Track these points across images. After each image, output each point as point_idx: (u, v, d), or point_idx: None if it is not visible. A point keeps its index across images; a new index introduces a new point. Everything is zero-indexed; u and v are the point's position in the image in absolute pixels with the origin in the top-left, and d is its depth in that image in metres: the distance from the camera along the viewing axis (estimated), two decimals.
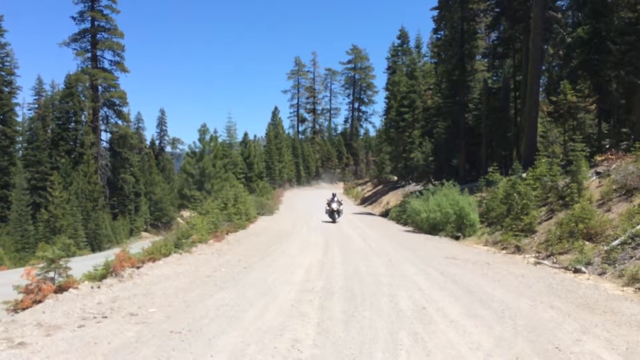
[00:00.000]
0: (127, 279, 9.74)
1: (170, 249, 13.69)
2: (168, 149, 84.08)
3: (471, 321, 6.73)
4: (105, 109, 53.04)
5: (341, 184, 67.00)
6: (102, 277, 9.75)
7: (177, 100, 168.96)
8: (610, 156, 18.99)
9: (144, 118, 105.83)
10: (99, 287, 8.80)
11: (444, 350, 5.50)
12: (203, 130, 34.62)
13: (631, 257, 10.94)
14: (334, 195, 29.58)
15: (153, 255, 12.76)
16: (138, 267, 11.15)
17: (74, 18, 51.08)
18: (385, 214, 32.93)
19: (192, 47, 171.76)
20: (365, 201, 46.03)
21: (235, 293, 8.46)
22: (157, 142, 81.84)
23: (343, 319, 6.78)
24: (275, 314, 7.03)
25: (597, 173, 18.13)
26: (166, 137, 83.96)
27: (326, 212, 28.40)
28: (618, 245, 11.62)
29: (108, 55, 52.46)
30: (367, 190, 52.85)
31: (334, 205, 27.94)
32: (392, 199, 38.77)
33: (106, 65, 52.63)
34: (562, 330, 6.29)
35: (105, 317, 6.79)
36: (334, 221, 27.51)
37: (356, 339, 5.87)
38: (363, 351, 5.44)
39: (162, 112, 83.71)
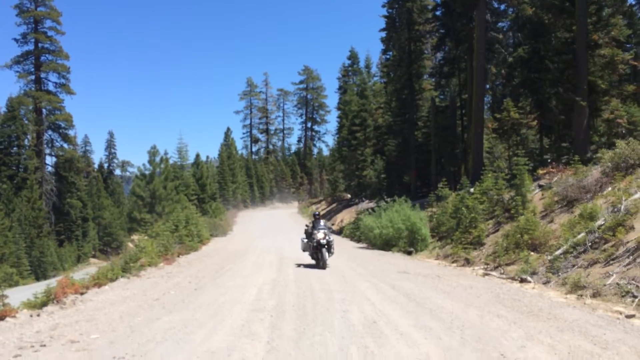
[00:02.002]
0: (70, 306, 9.34)
1: (117, 273, 13.27)
2: (117, 172, 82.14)
3: (421, 333, 6.79)
4: (50, 132, 51.31)
5: (296, 204, 66.88)
6: (43, 304, 9.33)
7: (127, 123, 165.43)
8: (551, 169, 19.80)
9: (92, 141, 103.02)
10: (38, 315, 8.40)
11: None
12: (153, 152, 33.96)
13: (573, 266, 11.35)
14: (316, 216, 16.67)
15: (98, 280, 12.32)
16: (82, 293, 10.74)
17: (16, 40, 49.53)
18: (339, 232, 33.04)
19: (142, 69, 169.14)
20: None
21: (184, 315, 8.24)
22: (105, 165, 79.74)
23: (294, 337, 6.70)
24: (225, 335, 6.88)
25: (540, 186, 18.85)
26: (115, 160, 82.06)
27: (304, 248, 16.30)
28: (561, 254, 12.05)
29: (53, 77, 50.99)
30: (322, 208, 52.98)
31: (320, 235, 15.17)
32: (346, 216, 39.00)
33: (51, 87, 51.11)
34: (508, 338, 6.43)
35: (44, 345, 6.48)
36: (320, 265, 15.05)
37: (306, 356, 5.81)
38: None
39: (111, 134, 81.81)
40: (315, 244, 15.32)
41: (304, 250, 16.40)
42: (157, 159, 34.26)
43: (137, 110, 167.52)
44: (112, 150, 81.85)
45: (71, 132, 53.26)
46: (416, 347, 6.06)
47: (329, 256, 15.33)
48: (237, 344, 6.36)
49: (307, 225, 16.74)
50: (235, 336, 6.79)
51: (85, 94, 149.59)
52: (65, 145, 52.26)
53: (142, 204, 33.56)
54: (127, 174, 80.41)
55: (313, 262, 15.96)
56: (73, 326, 7.62)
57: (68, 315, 8.46)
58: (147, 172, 33.95)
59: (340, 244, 26.48)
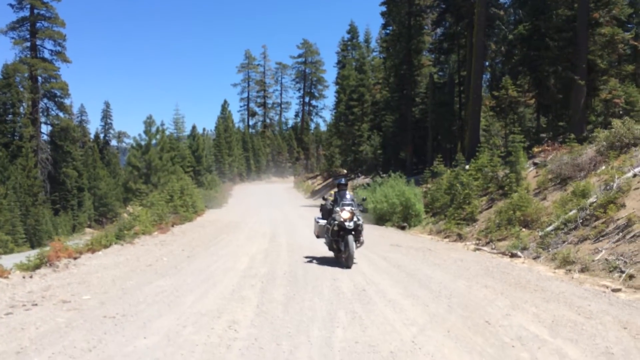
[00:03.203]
0: (63, 269, 9.41)
1: (111, 240, 13.32)
2: (113, 142, 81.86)
3: (408, 300, 6.88)
4: (45, 100, 50.97)
5: (292, 178, 66.88)
6: (36, 267, 9.40)
7: (123, 93, 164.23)
8: (547, 148, 19.82)
9: (88, 111, 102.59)
10: (31, 277, 8.47)
11: (380, 326, 5.60)
12: (149, 122, 33.78)
13: (563, 242, 11.46)
14: (341, 185, 11.29)
15: (92, 246, 12.39)
16: (75, 258, 10.80)
17: (12, 5, 48.83)
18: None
19: (139, 39, 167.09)
20: (315, 194, 46.22)
21: (175, 280, 8.32)
22: (101, 136, 79.44)
23: (283, 302, 6.78)
24: (215, 298, 6.96)
25: (535, 164, 18.89)
26: (111, 131, 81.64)
27: (318, 233, 11.62)
28: (552, 230, 12.15)
29: (48, 44, 50.45)
30: (317, 183, 53.06)
31: (345, 214, 10.28)
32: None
33: (46, 55, 50.60)
34: (494, 307, 6.52)
35: (36, 304, 6.54)
36: (343, 260, 10.19)
37: (294, 319, 5.89)
38: (300, 329, 5.47)
39: (107, 104, 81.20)
40: (336, 228, 10.15)
41: (317, 236, 11.53)
42: (153, 130, 34.12)
43: (134, 81, 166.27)
44: (109, 121, 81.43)
45: (67, 101, 52.98)
46: (403, 313, 6.15)
47: (356, 247, 10.22)
48: (227, 307, 6.44)
49: (324, 199, 11.60)
50: (225, 300, 6.87)
51: (82, 63, 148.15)
52: (61, 114, 51.99)
53: (137, 175, 33.53)
54: (124, 144, 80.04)
55: (307, 235, 15.22)
56: (65, 288, 7.68)
57: (61, 278, 8.53)
58: (143, 143, 33.83)
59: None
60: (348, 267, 9.76)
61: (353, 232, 10.10)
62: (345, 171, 45.21)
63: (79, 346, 4.85)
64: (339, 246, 10.28)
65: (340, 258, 10.30)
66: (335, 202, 10.82)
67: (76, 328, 5.44)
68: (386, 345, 4.96)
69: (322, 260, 10.70)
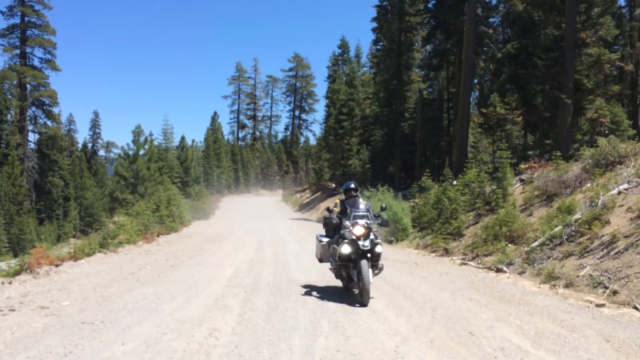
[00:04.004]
0: (43, 276, 9.25)
1: (94, 248, 13.17)
2: (101, 152, 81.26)
3: (393, 311, 6.83)
4: (33, 108, 50.59)
5: (280, 191, 66.74)
6: (16, 273, 9.24)
7: (113, 103, 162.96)
8: (533, 164, 19.97)
9: (77, 120, 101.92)
10: (10, 283, 8.32)
11: (363, 335, 5.55)
12: (137, 132, 33.60)
13: (549, 257, 11.49)
14: (352, 191, 8.71)
15: (75, 254, 12.22)
16: (57, 265, 10.63)
17: (2, 12, 48.64)
18: (322, 220, 33.07)
19: (129, 49, 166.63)
20: (303, 207, 46.13)
21: (157, 288, 8.21)
22: (89, 145, 78.80)
23: (266, 311, 6.71)
24: (197, 306, 6.87)
25: (521, 180, 19.02)
26: (100, 141, 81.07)
27: (322, 255, 8.97)
28: (537, 246, 12.19)
29: (38, 52, 50.18)
30: (306, 197, 52.98)
31: (358, 230, 7.68)
32: (330, 205, 39.02)
33: (36, 62, 50.30)
34: (478, 319, 6.49)
35: (13, 310, 6.42)
36: (359, 293, 7.48)
37: (277, 327, 5.82)
38: (282, 338, 5.40)
39: (96, 114, 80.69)
40: (346, 250, 7.60)
41: (321, 260, 8.95)
42: (142, 139, 33.93)
43: (124, 91, 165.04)
44: (97, 131, 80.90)
45: (55, 110, 52.65)
46: (387, 324, 6.10)
47: (373, 275, 7.72)
48: (209, 315, 6.36)
49: (329, 211, 8.78)
50: (207, 308, 6.79)
51: (72, 71, 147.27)
52: (49, 123, 51.59)
53: (124, 184, 33.26)
54: (112, 155, 79.52)
55: (294, 248, 15.65)
56: (45, 294, 7.55)
57: (40, 284, 8.38)
58: (130, 152, 33.61)
59: (323, 231, 26.54)
60: (363, 304, 7.14)
61: (369, 255, 7.46)
62: (333, 185, 45.22)
63: (55, 351, 4.74)
64: (350, 274, 7.72)
65: (351, 289, 8.08)
66: (344, 213, 8.21)
67: (53, 333, 5.33)
68: (368, 354, 4.90)
69: (308, 272, 10.59)
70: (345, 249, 7.54)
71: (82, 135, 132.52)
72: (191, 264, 11.57)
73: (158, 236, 18.94)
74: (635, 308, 7.60)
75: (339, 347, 5.12)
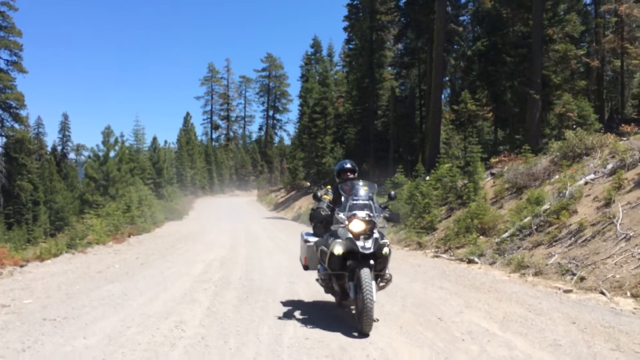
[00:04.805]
0: (7, 276, 8.97)
1: (61, 248, 12.85)
2: (72, 155, 79.84)
3: None
4: (0, 111, 49.29)
5: (255, 192, 66.40)
6: None
7: (82, 106, 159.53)
8: (503, 158, 20.25)
9: (45, 123, 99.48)
10: None
11: (331, 324, 5.51)
12: (107, 133, 32.91)
13: (518, 248, 11.65)
14: (348, 172, 6.66)
15: (41, 255, 11.90)
16: (22, 266, 10.33)
17: None
18: (297, 218, 33.01)
19: (98, 51, 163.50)
20: (278, 207, 45.97)
21: (125, 285, 8.03)
22: (59, 148, 77.41)
23: (235, 304, 6.62)
24: (165, 301, 6.74)
25: (492, 174, 19.27)
26: (69, 143, 79.71)
27: (309, 260, 6.63)
28: (507, 237, 12.35)
29: (4, 54, 48.85)
30: (281, 196, 52.82)
31: (356, 226, 5.54)
32: (304, 203, 38.96)
33: (2, 65, 48.93)
34: (447, 306, 6.52)
35: None
36: (356, 317, 5.41)
37: (245, 319, 5.74)
38: (250, 328, 5.32)
39: (65, 116, 79.25)
40: (339, 251, 5.55)
41: (306, 267, 6.74)
42: (112, 140, 33.26)
43: (94, 93, 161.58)
44: (66, 133, 79.51)
45: (23, 112, 51.34)
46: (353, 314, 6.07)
47: (377, 290, 5.71)
48: (176, 309, 6.24)
49: (317, 198, 6.38)
50: (175, 302, 6.66)
51: (39, 73, 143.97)
52: (16, 126, 50.35)
53: (94, 186, 32.57)
54: (82, 157, 78.04)
55: (267, 245, 15.60)
56: (7, 293, 7.31)
57: (3, 284, 8.12)
58: (100, 154, 32.93)
59: (297, 229, 26.46)
60: (362, 331, 5.13)
61: (371, 261, 5.40)
62: (308, 184, 45.19)
63: (13, 347, 4.58)
64: (344, 287, 5.69)
65: (346, 307, 6.28)
66: (337, 202, 6.15)
67: (12, 330, 5.16)
68: (336, 341, 4.87)
69: (279, 267, 10.50)
70: (338, 250, 5.42)
71: (51, 138, 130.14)
72: (161, 262, 11.37)
73: (129, 236, 18.60)
74: (602, 293, 7.73)
75: (308, 335, 5.07)
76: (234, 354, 4.48)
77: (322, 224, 6.46)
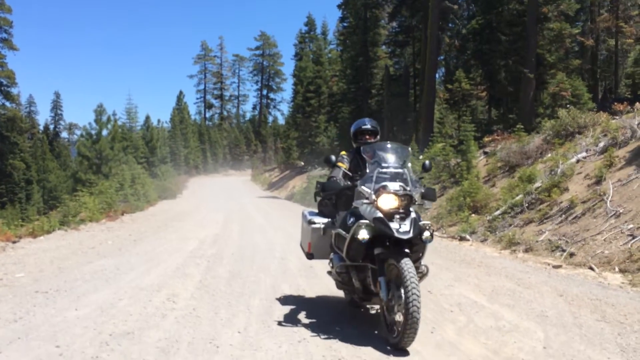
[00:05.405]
0: None
1: (54, 225, 12.85)
2: (64, 134, 79.31)
3: None
4: None
5: (249, 171, 66.32)
6: None
7: (75, 84, 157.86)
8: (496, 137, 20.30)
9: (37, 101, 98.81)
10: None
11: (321, 295, 5.62)
12: (99, 111, 32.58)
13: (510, 225, 11.76)
14: (363, 134, 5.36)
15: (34, 231, 11.90)
16: (14, 242, 10.32)
17: None
18: (290, 197, 33.10)
19: (91, 28, 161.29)
20: (272, 186, 45.99)
21: (118, 260, 8.05)
22: (51, 127, 76.85)
23: (227, 277, 6.67)
24: (157, 275, 6.77)
25: (485, 153, 19.33)
26: (62, 122, 79.14)
27: (315, 248, 5.25)
28: (499, 215, 12.46)
29: None
30: (275, 175, 52.82)
31: (388, 201, 4.20)
32: (298, 183, 39.01)
33: None
34: (437, 279, 6.59)
35: None
36: (392, 332, 4.06)
37: (236, 292, 5.79)
38: (241, 300, 5.37)
39: (57, 95, 78.48)
40: (364, 236, 4.17)
41: (311, 255, 5.32)
42: (104, 119, 32.98)
43: (86, 72, 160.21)
44: (59, 112, 78.89)
45: (14, 90, 50.79)
46: None
47: (419, 281, 4.04)
48: (169, 282, 6.27)
49: (330, 163, 5.20)
50: (167, 277, 6.69)
51: (30, 51, 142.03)
52: (8, 104, 49.89)
53: (87, 165, 32.41)
54: (75, 136, 77.55)
55: (261, 223, 15.59)
56: None
57: None
58: (93, 132, 32.68)
59: (290, 208, 26.49)
60: (400, 346, 3.94)
61: (407, 250, 4.19)
62: (302, 163, 45.16)
63: (4, 317, 4.61)
64: (366, 282, 4.50)
65: (363, 305, 5.17)
66: (355, 171, 5.03)
67: (4, 302, 5.18)
68: (326, 313, 4.93)
69: (272, 243, 10.55)
70: (363, 235, 4.13)
71: (43, 116, 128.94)
72: (154, 239, 11.39)
73: (122, 214, 18.58)
74: (591, 268, 7.83)
75: (299, 306, 5.12)
76: (225, 324, 4.52)
77: (332, 201, 5.09)
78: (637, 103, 16.26)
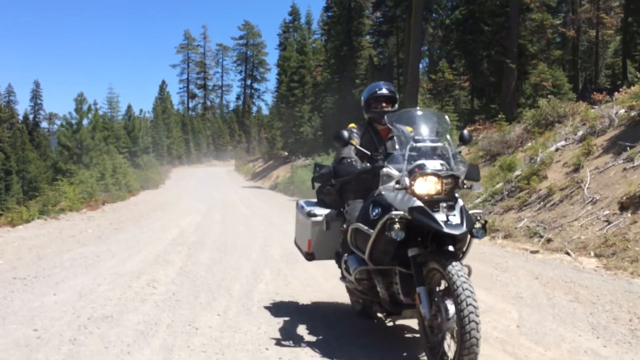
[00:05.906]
0: None
1: (33, 215, 12.71)
2: (44, 124, 78.17)
3: (333, 262, 6.91)
4: None
5: (233, 161, 66.04)
6: None
7: (55, 74, 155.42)
8: (478, 127, 20.47)
9: (16, 91, 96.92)
10: None
11: (302, 280, 5.63)
12: (80, 100, 32.13)
13: (490, 213, 11.90)
14: (380, 104, 4.12)
15: (12, 220, 11.77)
16: None
17: None
18: (274, 187, 33.10)
19: (70, 18, 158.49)
20: (256, 176, 45.89)
21: (98, 248, 8.01)
22: (31, 117, 75.70)
23: (208, 264, 6.68)
24: (138, 262, 6.76)
25: None
26: (42, 112, 78.01)
27: (315, 246, 4.39)
28: (480, 203, 12.60)
29: None
30: (258, 166, 52.69)
31: (426, 184, 3.14)
32: (282, 172, 38.96)
33: None
34: None
35: None
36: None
37: (217, 277, 5.81)
38: (222, 285, 5.40)
39: (37, 84, 77.31)
40: (400, 235, 3.07)
41: (310, 255, 4.51)
42: (85, 108, 32.55)
43: (66, 62, 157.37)
44: (38, 102, 77.75)
45: None
46: (326, 269, 6.15)
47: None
48: (149, 269, 6.27)
49: (343, 140, 3.72)
50: (148, 263, 6.69)
51: (9, 41, 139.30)
52: None
53: (68, 154, 32.01)
54: (55, 127, 76.50)
55: (243, 211, 15.61)
56: None
57: None
58: (73, 121, 32.25)
59: (273, 197, 26.47)
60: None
61: (450, 247, 3.33)
62: (286, 153, 45.09)
63: None
64: (393, 291, 3.53)
65: (375, 316, 4.27)
66: (372, 148, 4.01)
67: None
68: (307, 295, 4.97)
69: (254, 231, 10.55)
70: (397, 234, 3.08)
71: (22, 106, 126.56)
72: (135, 227, 11.35)
73: (103, 204, 18.42)
74: (567, 253, 7.97)
75: (279, 291, 5.16)
76: (205, 307, 4.54)
77: (335, 187, 4.18)
78: (616, 93, 16.51)
